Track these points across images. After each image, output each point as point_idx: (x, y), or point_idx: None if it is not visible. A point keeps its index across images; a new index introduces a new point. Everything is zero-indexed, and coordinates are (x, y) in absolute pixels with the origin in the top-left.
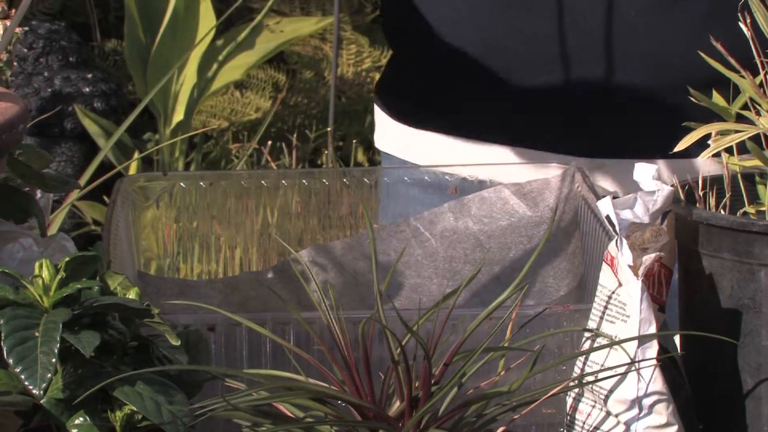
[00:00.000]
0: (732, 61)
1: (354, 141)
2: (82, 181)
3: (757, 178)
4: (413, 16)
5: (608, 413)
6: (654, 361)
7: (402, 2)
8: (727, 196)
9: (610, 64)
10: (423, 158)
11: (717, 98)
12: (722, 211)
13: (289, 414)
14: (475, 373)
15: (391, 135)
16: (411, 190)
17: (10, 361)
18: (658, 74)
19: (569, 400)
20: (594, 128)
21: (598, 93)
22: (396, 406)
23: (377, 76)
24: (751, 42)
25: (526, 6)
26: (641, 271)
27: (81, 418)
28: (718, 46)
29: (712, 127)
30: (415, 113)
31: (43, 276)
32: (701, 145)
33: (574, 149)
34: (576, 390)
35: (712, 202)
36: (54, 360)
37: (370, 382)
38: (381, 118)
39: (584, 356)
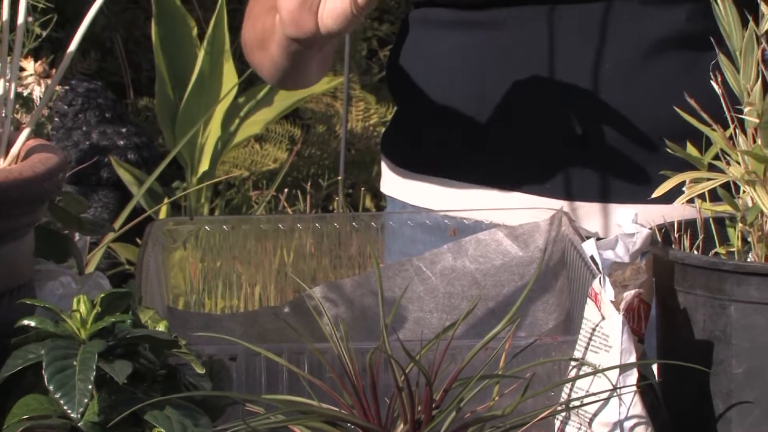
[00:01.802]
0: (704, 115)
1: (362, 189)
2: (117, 225)
3: (728, 222)
4: (413, 71)
5: None
6: (634, 388)
7: (403, 58)
8: (700, 238)
9: (594, 115)
10: (423, 201)
11: (691, 149)
12: (696, 252)
13: None
14: (472, 398)
15: (395, 180)
16: (414, 232)
17: (51, 387)
18: (639, 125)
19: (557, 423)
20: (580, 175)
21: (583, 143)
22: (400, 428)
23: (383, 130)
24: (721, 98)
25: (514, 61)
26: (622, 306)
27: None
28: (692, 102)
29: (687, 176)
30: (415, 160)
31: (81, 310)
32: (677, 191)
33: (561, 194)
34: (563, 414)
35: (687, 243)
36: (90, 386)
37: (377, 406)
38: (386, 166)
39: (571, 383)
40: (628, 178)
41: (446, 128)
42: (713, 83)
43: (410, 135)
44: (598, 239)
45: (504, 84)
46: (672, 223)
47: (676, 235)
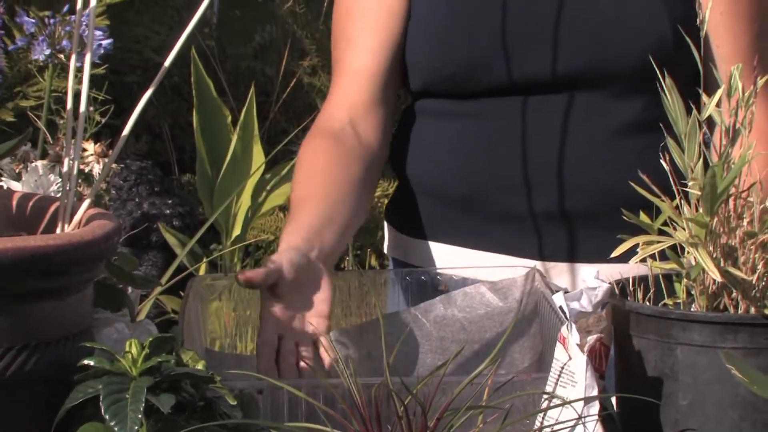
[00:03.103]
0: (655, 189)
1: (368, 250)
2: (163, 280)
3: (674, 278)
4: (412, 153)
5: None
6: (596, 417)
7: (404, 142)
8: (652, 291)
9: (565, 190)
10: (421, 261)
11: (644, 217)
12: (648, 303)
13: None
14: (460, 426)
15: (397, 244)
16: (411, 286)
17: (107, 416)
18: (603, 198)
19: None
20: (550, 239)
21: (553, 212)
22: None
23: (386, 201)
24: (669, 174)
25: (497, 145)
26: (586, 348)
27: None
28: (645, 178)
29: (640, 239)
30: (414, 227)
31: (132, 352)
32: (632, 252)
33: (535, 255)
34: None
35: (640, 296)
36: (140, 416)
37: None
38: (389, 231)
39: (543, 413)
40: (591, 242)
41: (440, 201)
42: (662, 162)
43: (410, 206)
44: (566, 292)
45: (487, 164)
46: (628, 279)
47: (632, 289)
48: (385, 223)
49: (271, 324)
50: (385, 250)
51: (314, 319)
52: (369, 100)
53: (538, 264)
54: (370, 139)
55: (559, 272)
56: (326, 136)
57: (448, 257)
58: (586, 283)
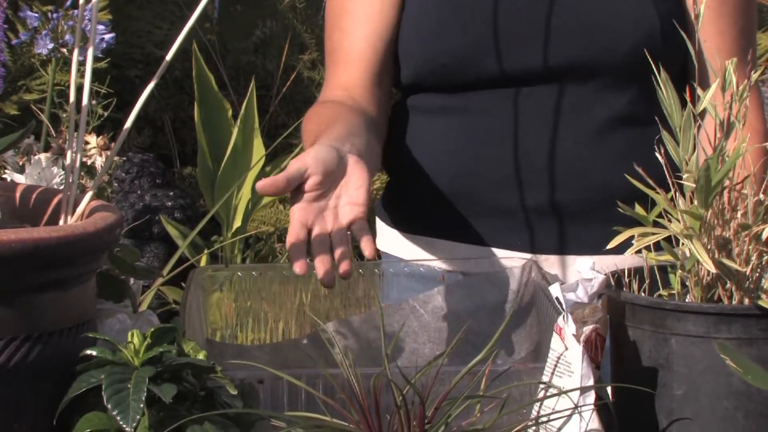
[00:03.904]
0: (650, 181)
1: None
2: (165, 271)
3: (669, 269)
4: (403, 149)
5: None
6: (592, 406)
7: (395, 139)
8: (647, 282)
9: (555, 184)
10: (411, 255)
11: (639, 209)
12: (643, 294)
13: None
14: (458, 415)
15: (388, 238)
16: (408, 281)
17: (109, 406)
18: (593, 191)
19: None
20: (541, 232)
21: (544, 205)
22: None
23: None
24: (664, 167)
25: (488, 140)
26: (582, 338)
27: None
28: (640, 171)
29: (635, 231)
30: (405, 222)
31: (134, 342)
32: (627, 244)
33: (526, 248)
34: (533, 428)
35: (635, 287)
36: (142, 405)
37: (380, 422)
38: (380, 225)
39: (540, 402)
40: (582, 235)
41: (431, 196)
42: (657, 155)
43: (400, 202)
44: (561, 283)
45: (477, 159)
46: (623, 270)
47: (627, 280)
48: (377, 219)
49: (299, 219)
50: (378, 246)
51: (348, 207)
52: (366, 81)
53: (533, 256)
54: (370, 110)
55: (550, 265)
56: (326, 103)
57: (439, 251)
58: (582, 274)
